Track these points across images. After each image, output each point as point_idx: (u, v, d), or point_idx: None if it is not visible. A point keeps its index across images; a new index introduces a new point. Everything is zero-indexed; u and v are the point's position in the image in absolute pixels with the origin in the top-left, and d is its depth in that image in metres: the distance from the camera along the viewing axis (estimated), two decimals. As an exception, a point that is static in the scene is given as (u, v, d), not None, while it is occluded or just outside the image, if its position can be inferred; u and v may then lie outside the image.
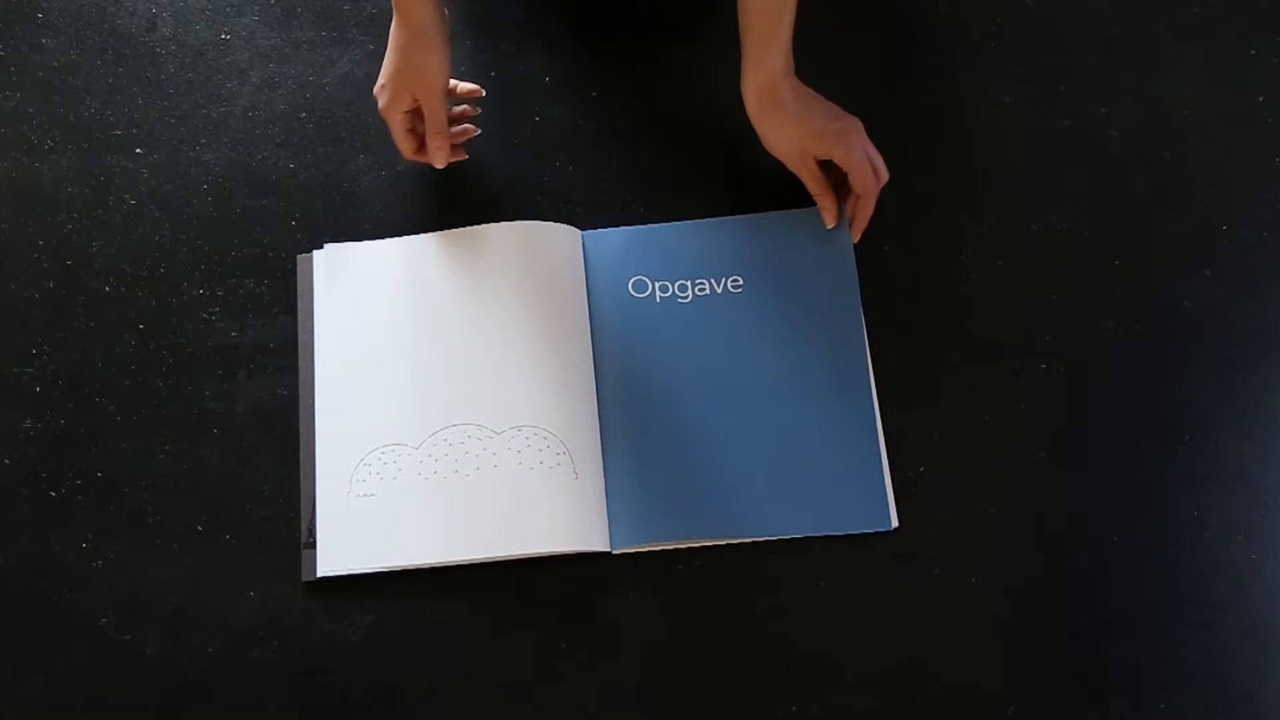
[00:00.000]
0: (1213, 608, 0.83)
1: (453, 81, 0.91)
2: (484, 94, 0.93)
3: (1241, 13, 1.02)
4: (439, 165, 0.89)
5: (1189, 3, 1.03)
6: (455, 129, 0.91)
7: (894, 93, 0.99)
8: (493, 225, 0.91)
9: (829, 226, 0.91)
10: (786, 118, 0.87)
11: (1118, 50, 1.01)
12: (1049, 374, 0.89)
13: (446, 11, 0.88)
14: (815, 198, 0.90)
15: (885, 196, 0.91)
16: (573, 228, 0.92)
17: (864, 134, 0.90)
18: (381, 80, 0.87)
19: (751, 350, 0.89)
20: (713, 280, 0.91)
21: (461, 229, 0.91)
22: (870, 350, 0.89)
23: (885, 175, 0.90)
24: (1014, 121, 0.98)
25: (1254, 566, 0.84)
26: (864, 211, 0.90)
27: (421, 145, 0.90)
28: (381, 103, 0.88)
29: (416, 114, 0.88)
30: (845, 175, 0.88)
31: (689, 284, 0.91)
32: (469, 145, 0.93)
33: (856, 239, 0.91)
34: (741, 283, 0.91)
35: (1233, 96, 0.99)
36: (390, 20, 0.87)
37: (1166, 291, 0.92)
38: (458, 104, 0.93)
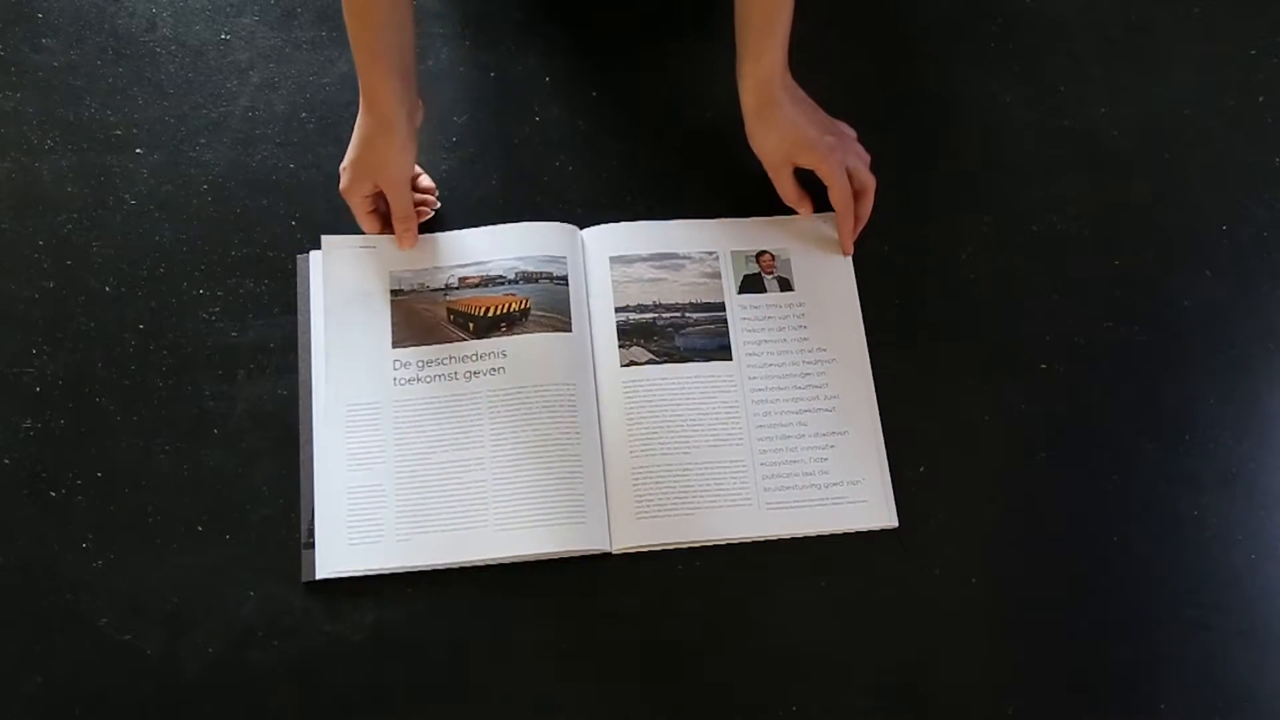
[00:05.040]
0: (1213, 608, 0.83)
1: (417, 169, 0.91)
2: (439, 206, 0.93)
3: (1241, 13, 1.02)
4: (408, 246, 0.90)
5: (1189, 3, 1.03)
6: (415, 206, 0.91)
7: (894, 92, 0.99)
8: (479, 229, 0.91)
9: (802, 214, 0.92)
10: (781, 118, 0.88)
11: (1118, 50, 1.01)
12: (1049, 374, 0.89)
13: (421, 102, 0.88)
14: (790, 204, 0.91)
15: (886, 195, 0.91)
16: (570, 225, 0.92)
17: (855, 144, 0.91)
18: (345, 163, 0.87)
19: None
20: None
21: (441, 233, 0.92)
22: (870, 351, 0.89)
23: (872, 183, 0.90)
24: (1014, 121, 0.98)
25: (1254, 566, 0.84)
26: (844, 225, 0.91)
27: (385, 224, 0.90)
28: (343, 184, 0.88)
29: (379, 195, 0.88)
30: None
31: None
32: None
33: (846, 253, 0.92)
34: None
35: (1233, 96, 0.99)
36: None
37: (1166, 291, 0.92)
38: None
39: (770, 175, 0.90)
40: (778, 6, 0.85)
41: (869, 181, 0.90)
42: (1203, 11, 1.02)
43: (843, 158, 0.89)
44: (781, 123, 0.88)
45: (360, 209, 0.89)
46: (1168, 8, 1.03)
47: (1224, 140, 0.97)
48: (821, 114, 0.90)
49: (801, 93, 0.89)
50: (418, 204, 0.91)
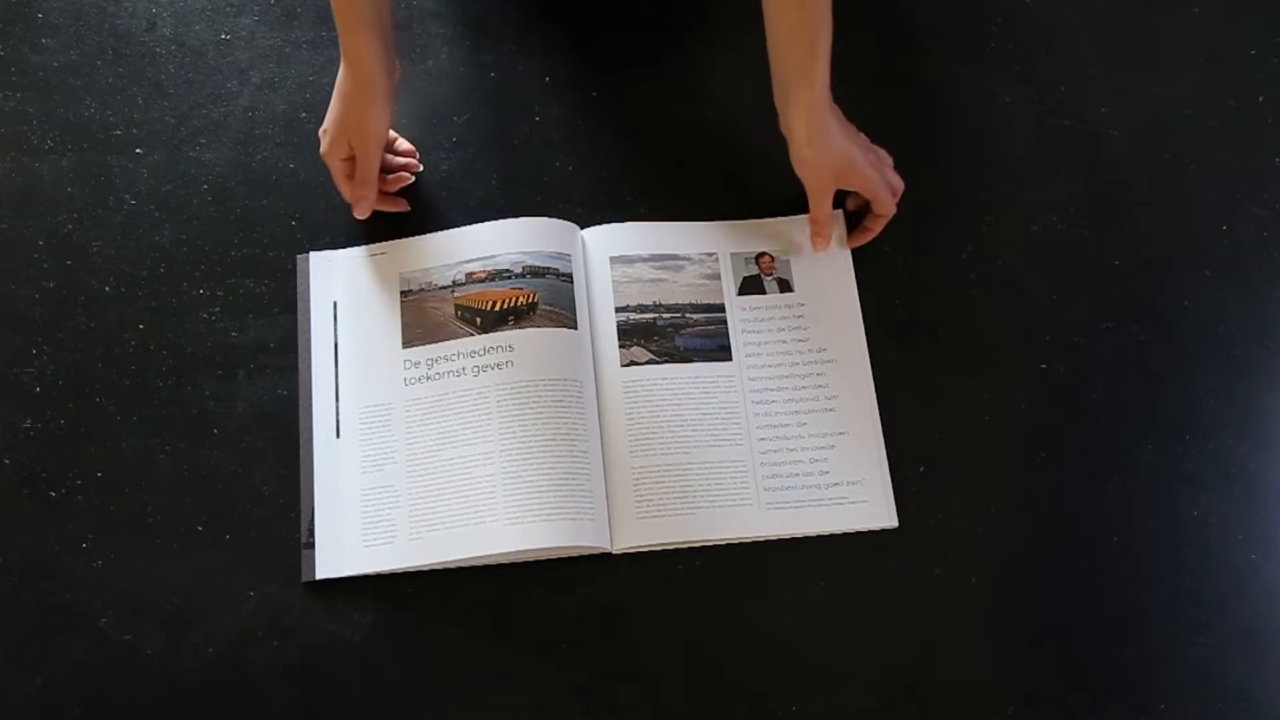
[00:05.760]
0: (1213, 608, 0.83)
1: (394, 135, 0.92)
2: (420, 168, 0.94)
3: (1241, 12, 1.02)
4: (360, 216, 0.90)
5: (1189, 3, 1.03)
6: (390, 176, 0.91)
7: (894, 92, 0.99)
8: (484, 224, 0.91)
9: (817, 250, 0.91)
10: (833, 143, 0.86)
11: (1118, 50, 1.01)
12: (1049, 374, 0.89)
13: (398, 63, 0.88)
14: (815, 224, 0.90)
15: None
16: (570, 223, 0.92)
17: (881, 151, 0.91)
18: (324, 125, 0.88)
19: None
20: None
21: (447, 230, 0.92)
22: (870, 350, 0.89)
23: (900, 187, 0.91)
24: (1014, 121, 0.98)
25: (1254, 566, 0.84)
26: (877, 229, 0.91)
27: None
28: (323, 147, 0.88)
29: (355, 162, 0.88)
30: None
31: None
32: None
33: (852, 246, 0.92)
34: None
35: (1233, 96, 0.99)
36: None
37: (1166, 291, 0.92)
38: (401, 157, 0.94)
39: (812, 197, 0.88)
40: (820, 26, 0.82)
41: (900, 186, 0.91)
42: (1203, 11, 1.02)
43: (882, 173, 0.89)
44: (834, 148, 0.86)
45: (339, 172, 0.89)
46: (1168, 8, 1.03)
47: (1224, 140, 0.97)
48: (854, 129, 0.89)
49: (839, 110, 0.88)
50: (399, 168, 0.92)
